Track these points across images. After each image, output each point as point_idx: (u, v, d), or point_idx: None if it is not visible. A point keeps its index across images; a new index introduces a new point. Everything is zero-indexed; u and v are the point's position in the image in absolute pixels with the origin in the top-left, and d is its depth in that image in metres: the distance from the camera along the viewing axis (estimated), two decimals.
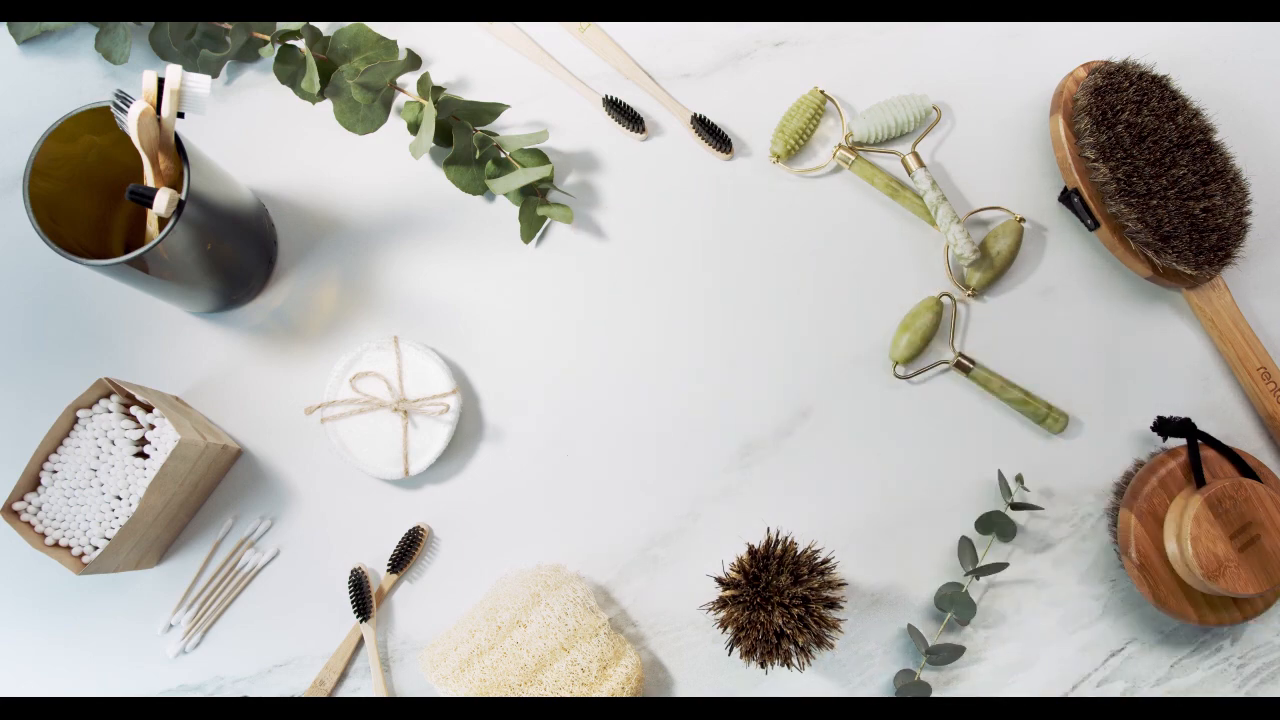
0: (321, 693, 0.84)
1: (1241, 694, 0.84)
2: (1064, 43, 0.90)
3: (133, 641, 0.85)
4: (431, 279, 0.88)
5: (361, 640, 0.85)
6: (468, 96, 0.90)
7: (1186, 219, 0.81)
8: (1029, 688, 0.84)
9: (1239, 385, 0.87)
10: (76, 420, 0.81)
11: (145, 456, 0.81)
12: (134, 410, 0.81)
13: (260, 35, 0.89)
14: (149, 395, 0.81)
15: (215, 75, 0.89)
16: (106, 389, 0.81)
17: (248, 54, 0.90)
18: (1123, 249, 0.84)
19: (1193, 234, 0.81)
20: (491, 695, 0.77)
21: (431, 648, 0.81)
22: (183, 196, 0.72)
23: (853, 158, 0.88)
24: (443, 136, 0.88)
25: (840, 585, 0.77)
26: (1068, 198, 0.85)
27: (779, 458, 0.86)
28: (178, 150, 0.73)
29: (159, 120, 0.71)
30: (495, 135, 0.88)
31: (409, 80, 0.89)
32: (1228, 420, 0.87)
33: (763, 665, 0.76)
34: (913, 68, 0.91)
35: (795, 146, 0.89)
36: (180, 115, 0.72)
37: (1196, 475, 0.81)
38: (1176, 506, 0.80)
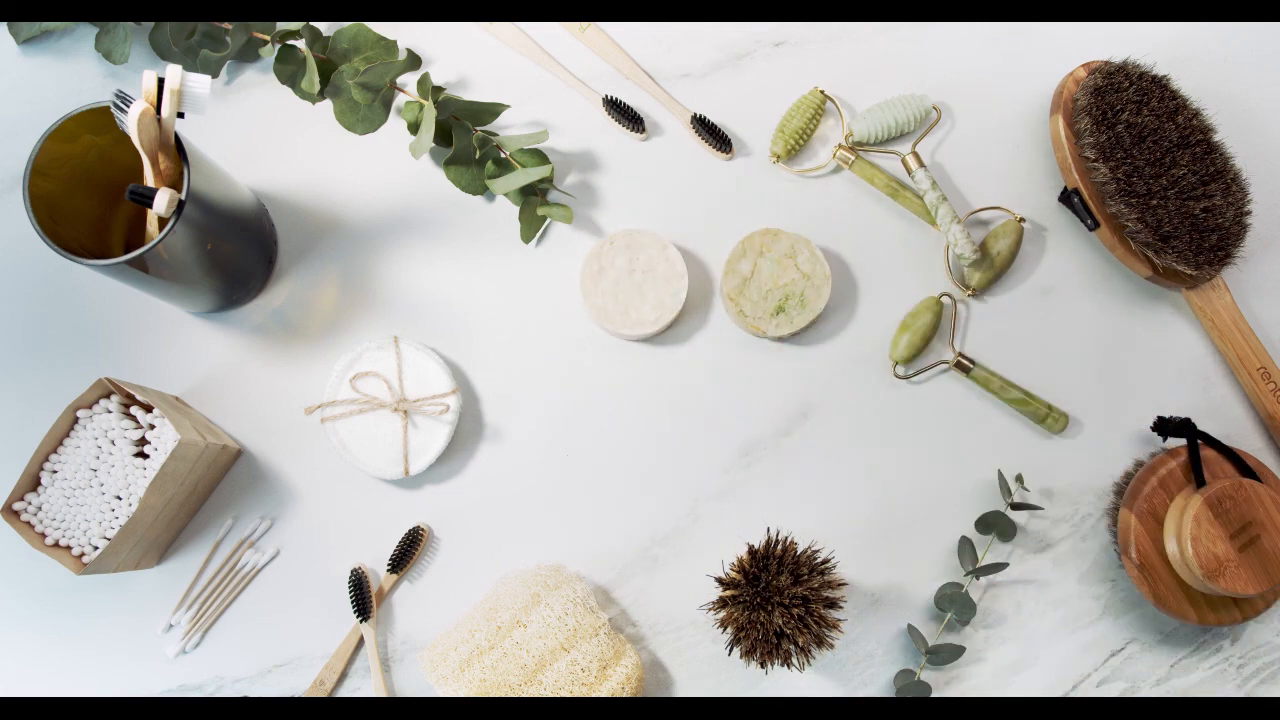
0: (321, 693, 0.84)
1: (1241, 694, 0.84)
2: (1064, 43, 0.90)
3: (133, 641, 0.85)
4: (431, 279, 0.89)
5: (361, 640, 0.85)
6: (468, 96, 0.91)
7: (1186, 219, 0.81)
8: (1029, 688, 0.84)
9: (1239, 385, 0.87)
10: (76, 420, 0.81)
11: (145, 456, 0.81)
12: (134, 410, 0.81)
13: (260, 35, 0.89)
14: (149, 395, 0.81)
15: (215, 75, 0.89)
16: (106, 389, 0.81)
17: (248, 54, 0.90)
18: (1123, 249, 0.84)
19: (1193, 234, 0.81)
20: (491, 695, 0.77)
21: (431, 648, 0.81)
22: (183, 196, 0.72)
23: (853, 158, 0.88)
24: (443, 136, 0.88)
25: (840, 585, 0.77)
26: (1068, 198, 0.85)
27: (779, 458, 0.86)
28: (178, 150, 0.73)
29: (159, 120, 0.71)
30: (495, 135, 0.88)
31: (409, 80, 0.89)
32: (1228, 420, 0.87)
33: (763, 665, 0.76)
34: (913, 68, 0.91)
35: (795, 146, 0.89)
36: (180, 115, 0.72)
37: (1196, 475, 0.81)
38: (1176, 506, 0.80)
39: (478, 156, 0.88)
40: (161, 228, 0.72)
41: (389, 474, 0.84)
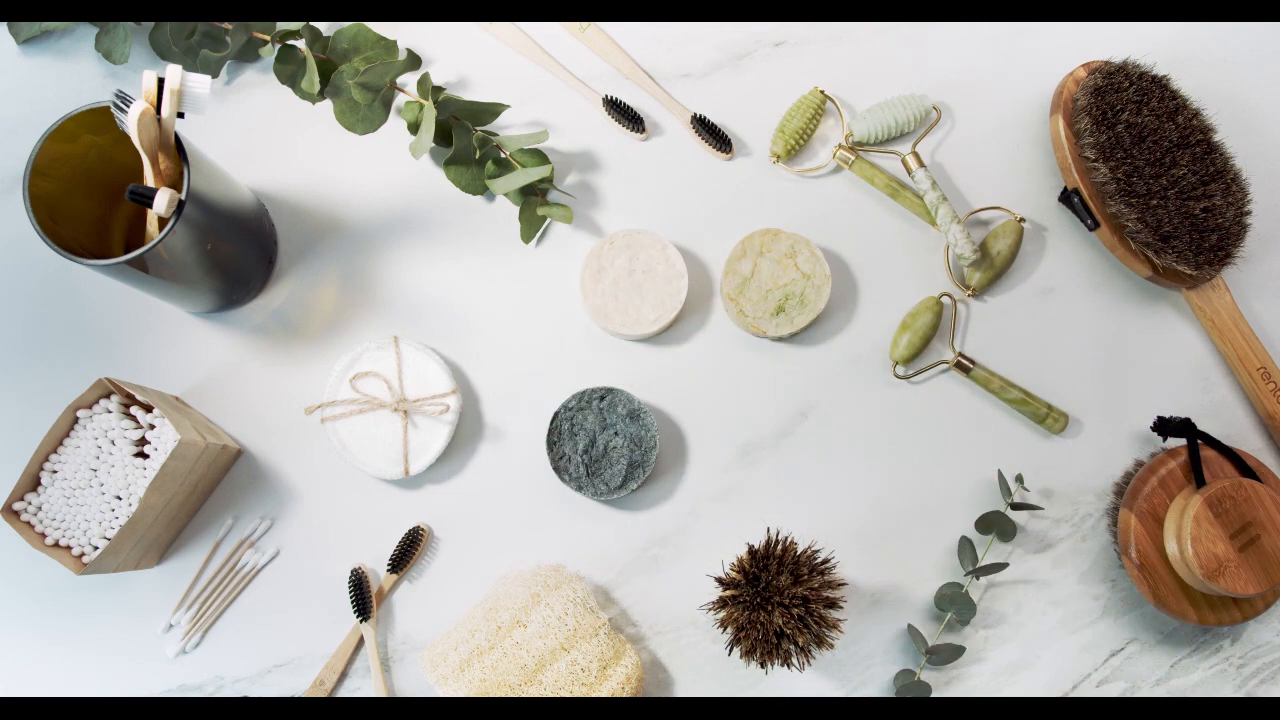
0: (321, 693, 0.84)
1: (1241, 694, 0.84)
2: (1064, 43, 0.90)
3: (133, 641, 0.85)
4: (431, 279, 0.89)
5: (361, 640, 0.85)
6: (468, 96, 0.91)
7: (1186, 219, 0.81)
8: (1029, 688, 0.84)
9: (1239, 385, 0.87)
10: (76, 420, 0.81)
11: (145, 456, 0.81)
12: (134, 410, 0.81)
13: (260, 35, 0.89)
14: (149, 395, 0.81)
15: (215, 75, 0.89)
16: (106, 389, 0.81)
17: (248, 54, 0.90)
18: (1123, 249, 0.84)
19: (1193, 234, 0.81)
20: (491, 695, 0.77)
21: (431, 648, 0.81)
22: (183, 196, 0.72)
23: (853, 158, 0.88)
24: (443, 136, 0.88)
25: (840, 585, 0.77)
26: (1068, 198, 0.85)
27: (779, 458, 0.86)
28: (178, 150, 0.73)
29: (159, 120, 0.71)
30: (495, 135, 0.88)
31: (409, 80, 0.89)
32: (1228, 420, 0.87)
33: (763, 665, 0.76)
34: (913, 68, 0.91)
35: (795, 146, 0.89)
36: (180, 115, 0.72)
37: (1196, 475, 0.81)
38: (1176, 506, 0.80)
39: (478, 156, 0.88)
40: (161, 228, 0.72)
41: (389, 474, 0.84)
